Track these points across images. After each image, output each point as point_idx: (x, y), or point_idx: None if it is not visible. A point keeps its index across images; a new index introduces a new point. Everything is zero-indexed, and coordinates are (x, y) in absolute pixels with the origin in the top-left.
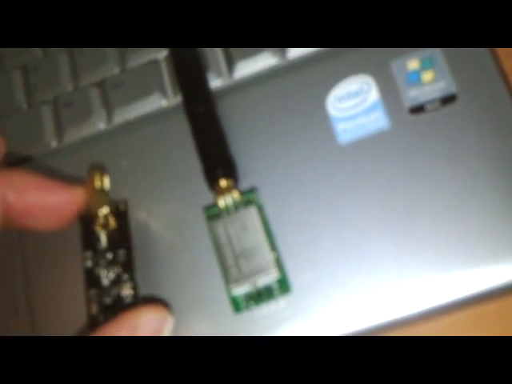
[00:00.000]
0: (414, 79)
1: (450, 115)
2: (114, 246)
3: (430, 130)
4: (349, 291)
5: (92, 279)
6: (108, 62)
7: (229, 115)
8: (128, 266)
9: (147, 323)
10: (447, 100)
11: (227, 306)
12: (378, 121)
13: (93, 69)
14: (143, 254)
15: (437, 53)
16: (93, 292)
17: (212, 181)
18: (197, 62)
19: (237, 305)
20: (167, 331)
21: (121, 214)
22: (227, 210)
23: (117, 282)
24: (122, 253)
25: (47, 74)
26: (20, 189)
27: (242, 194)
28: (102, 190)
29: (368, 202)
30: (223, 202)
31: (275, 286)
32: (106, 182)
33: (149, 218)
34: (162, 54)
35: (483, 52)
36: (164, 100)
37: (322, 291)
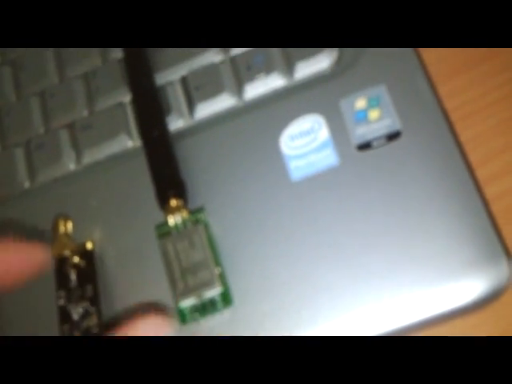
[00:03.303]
0: (362, 117)
1: (395, 151)
2: (82, 282)
3: (376, 165)
4: (302, 320)
5: (64, 316)
6: (77, 106)
7: (188, 154)
8: (95, 300)
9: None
10: (392, 137)
11: (174, 318)
12: (328, 158)
13: (63, 112)
14: (106, 282)
15: (382, 92)
16: (65, 327)
17: (163, 200)
18: (153, 89)
19: (183, 316)
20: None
21: (87, 253)
22: (176, 228)
23: (85, 315)
24: (89, 288)
25: (19, 117)
26: None
27: (191, 213)
28: (66, 234)
29: (320, 234)
30: (173, 220)
31: (218, 299)
32: (70, 227)
33: (115, 251)
34: (127, 97)
35: (427, 91)
36: (130, 141)
37: (277, 321)
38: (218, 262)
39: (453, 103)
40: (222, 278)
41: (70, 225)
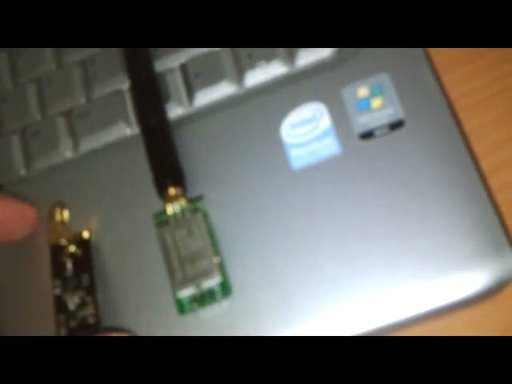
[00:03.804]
0: (364, 106)
1: (398, 140)
2: (78, 272)
3: (379, 155)
4: (301, 310)
5: (60, 305)
6: (74, 93)
7: (187, 142)
8: (91, 289)
9: None
10: (395, 126)
11: (173, 309)
12: (330, 146)
13: (60, 99)
14: (102, 271)
15: (385, 80)
16: (61, 317)
17: (161, 189)
18: (152, 76)
19: (181, 307)
20: None
21: (84, 242)
22: (175, 216)
23: (81, 305)
24: (85, 277)
25: (16, 104)
26: None
27: (190, 201)
28: (62, 222)
29: (321, 224)
30: (171, 209)
31: (217, 289)
32: (66, 216)
33: (111, 240)
34: (125, 84)
35: (430, 80)
36: (128, 129)
37: (276, 312)
38: (216, 252)
39: (457, 93)
40: (221, 268)
41: (66, 213)
